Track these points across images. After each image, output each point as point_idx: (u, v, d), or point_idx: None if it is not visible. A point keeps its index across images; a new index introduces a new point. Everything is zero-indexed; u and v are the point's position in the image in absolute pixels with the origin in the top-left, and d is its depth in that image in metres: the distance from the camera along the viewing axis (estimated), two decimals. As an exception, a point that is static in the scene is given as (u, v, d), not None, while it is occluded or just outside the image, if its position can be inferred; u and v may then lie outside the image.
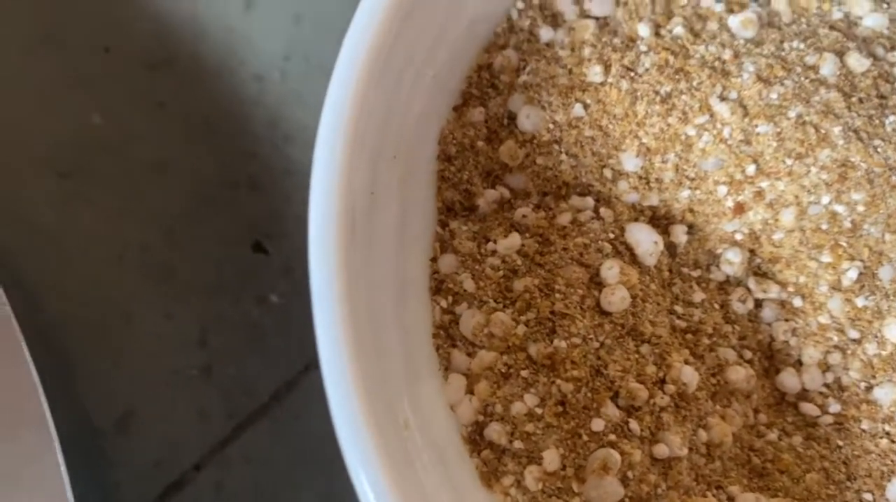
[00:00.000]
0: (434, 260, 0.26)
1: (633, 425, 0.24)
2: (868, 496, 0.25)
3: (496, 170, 0.27)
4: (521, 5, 0.27)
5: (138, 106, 0.34)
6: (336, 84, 0.21)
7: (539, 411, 0.24)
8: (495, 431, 0.24)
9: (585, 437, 0.24)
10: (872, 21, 0.28)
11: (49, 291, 0.32)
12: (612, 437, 0.24)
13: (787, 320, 0.28)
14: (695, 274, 0.27)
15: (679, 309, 0.26)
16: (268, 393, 0.31)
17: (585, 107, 0.26)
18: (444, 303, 0.26)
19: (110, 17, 0.34)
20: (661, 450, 0.24)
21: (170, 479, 0.30)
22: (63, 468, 0.27)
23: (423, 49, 0.24)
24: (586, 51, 0.26)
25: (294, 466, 0.30)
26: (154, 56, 0.34)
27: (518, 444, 0.24)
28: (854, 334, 0.27)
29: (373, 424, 0.19)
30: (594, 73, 0.26)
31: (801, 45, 0.27)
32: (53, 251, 0.32)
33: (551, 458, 0.24)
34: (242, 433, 0.31)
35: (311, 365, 0.31)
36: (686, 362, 0.25)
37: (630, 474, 0.23)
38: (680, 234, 0.27)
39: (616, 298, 0.25)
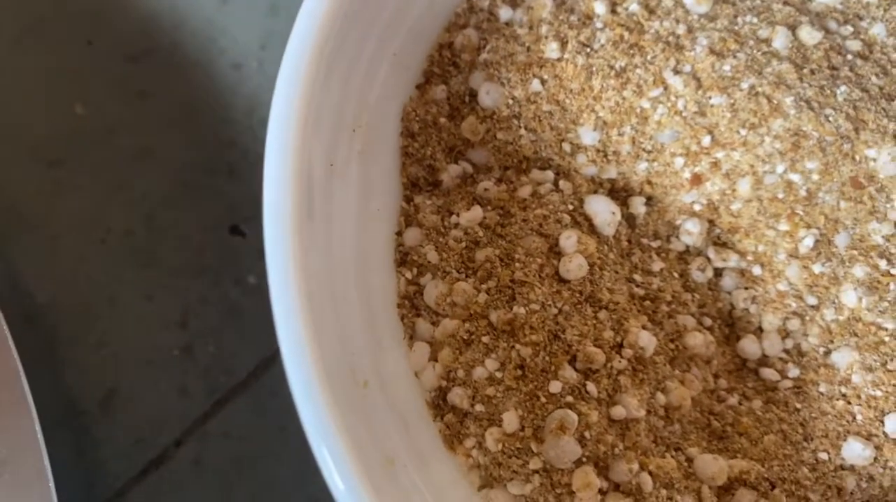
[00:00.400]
0: (399, 233, 0.27)
1: (591, 387, 0.25)
2: (824, 455, 0.26)
3: (459, 145, 0.28)
4: (480, -14, 0.28)
5: (120, 96, 0.35)
6: (288, 61, 0.22)
7: (499, 375, 0.25)
8: (457, 395, 0.25)
9: (543, 399, 0.24)
10: (826, -4, 0.29)
11: (35, 276, 0.33)
12: (570, 399, 0.24)
13: (746, 288, 0.28)
14: (654, 244, 0.28)
15: (638, 277, 0.27)
16: (246, 371, 0.32)
17: (543, 82, 0.27)
18: (408, 275, 0.27)
19: (93, 11, 0.35)
20: (618, 412, 0.25)
21: (151, 455, 0.31)
22: (44, 450, 0.27)
23: (381, 27, 0.25)
24: (543, 28, 0.27)
25: (272, 440, 0.31)
26: (135, 48, 0.35)
27: (479, 407, 0.25)
28: (812, 300, 0.27)
29: (324, 381, 0.20)
30: (551, 49, 0.27)
31: (755, 20, 0.28)
32: (40, 237, 0.33)
33: (510, 420, 0.24)
34: (221, 409, 0.32)
35: (287, 342, 0.32)
36: (644, 328, 0.26)
37: (587, 434, 0.24)
38: (639, 206, 0.28)
39: (573, 266, 0.26)
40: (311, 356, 0.20)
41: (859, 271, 0.27)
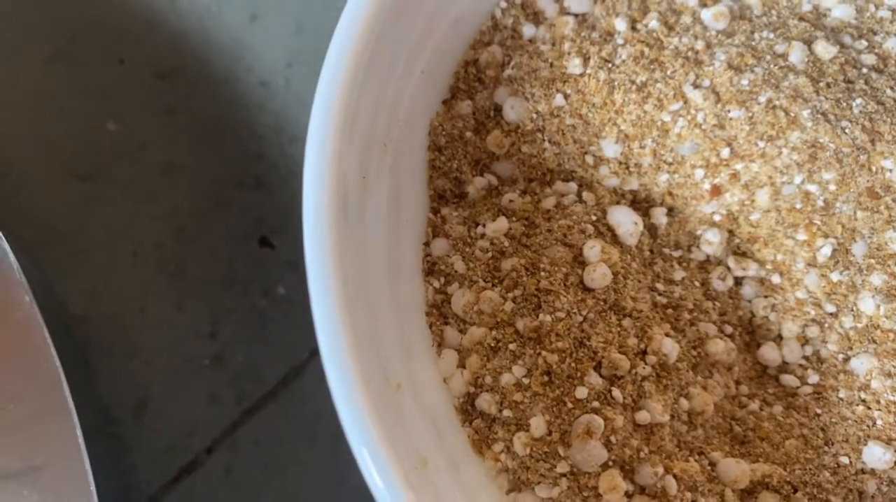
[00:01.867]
0: (427, 244, 0.28)
1: (616, 393, 0.25)
2: (845, 459, 0.26)
3: (484, 158, 0.29)
4: (504, 4, 0.29)
5: (150, 113, 0.36)
6: (325, 79, 0.22)
7: (526, 381, 0.25)
8: (485, 401, 0.26)
9: (570, 404, 0.25)
10: (840, 12, 0.30)
11: (69, 287, 0.34)
12: (596, 404, 0.25)
13: (766, 296, 0.29)
14: (676, 254, 0.29)
15: (660, 286, 0.28)
16: (275, 379, 0.33)
17: (566, 97, 0.28)
18: (436, 284, 0.27)
19: (123, 31, 0.36)
20: (643, 417, 0.25)
21: (183, 462, 0.32)
22: (85, 455, 0.28)
23: (410, 46, 0.26)
24: (566, 45, 0.28)
25: (300, 447, 0.32)
26: (165, 66, 0.36)
27: (507, 413, 0.25)
28: (831, 308, 0.28)
29: (363, 383, 0.21)
30: (574, 65, 0.28)
31: (771, 35, 0.29)
32: (73, 250, 0.34)
33: (538, 425, 0.25)
34: (251, 417, 0.32)
35: (315, 351, 0.33)
36: (667, 335, 0.27)
37: (613, 439, 0.25)
38: (660, 216, 0.28)
39: (598, 275, 0.27)
40: (350, 358, 0.21)
41: (877, 279, 0.28)
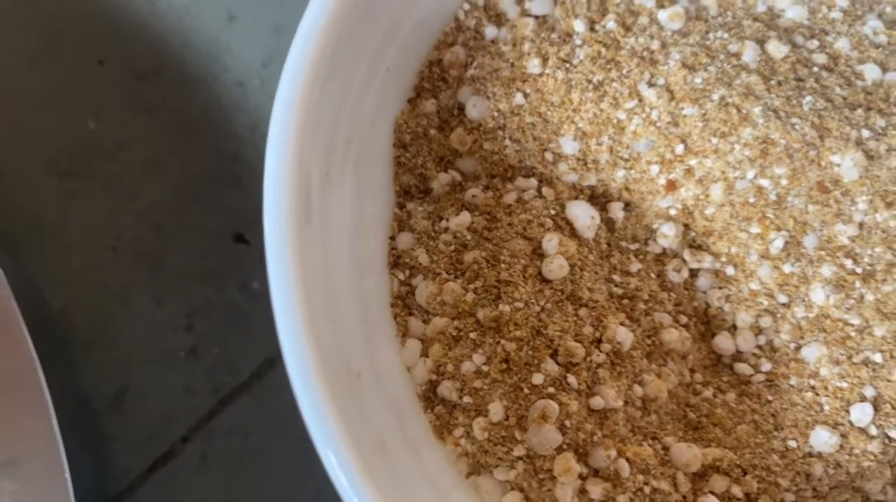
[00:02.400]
0: (392, 238, 0.29)
1: (571, 379, 0.26)
2: (793, 443, 0.27)
3: (448, 155, 0.30)
4: (467, 6, 0.30)
5: (130, 112, 0.37)
6: (286, 79, 0.23)
7: (486, 369, 0.26)
8: (447, 388, 0.27)
9: (527, 390, 0.26)
10: (794, 13, 0.31)
11: (50, 282, 0.35)
12: (551, 390, 0.26)
13: (720, 288, 0.30)
14: (632, 247, 0.30)
15: (617, 277, 0.29)
16: (249, 371, 0.34)
17: (526, 96, 0.29)
18: (401, 276, 0.28)
19: (104, 32, 0.37)
20: (597, 402, 0.26)
21: (160, 451, 0.33)
22: (61, 447, 0.29)
23: (374, 46, 0.27)
24: (526, 46, 0.29)
25: (274, 437, 0.33)
26: (144, 66, 0.37)
27: (467, 399, 0.26)
28: (783, 299, 0.29)
29: (320, 371, 0.22)
30: (533, 65, 0.29)
31: (725, 35, 0.30)
32: (54, 245, 0.35)
33: (496, 410, 0.26)
34: (226, 407, 0.33)
35: (289, 343, 0.34)
36: (622, 324, 0.28)
37: (568, 423, 0.26)
38: (617, 211, 0.29)
39: (555, 266, 0.28)
40: (307, 344, 0.22)
41: (827, 271, 0.29)
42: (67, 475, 0.27)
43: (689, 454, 0.26)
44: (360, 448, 0.23)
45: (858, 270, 0.29)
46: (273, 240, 0.22)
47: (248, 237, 0.35)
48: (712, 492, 0.26)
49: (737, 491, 0.26)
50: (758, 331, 0.30)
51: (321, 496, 0.32)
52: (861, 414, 0.27)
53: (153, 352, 0.34)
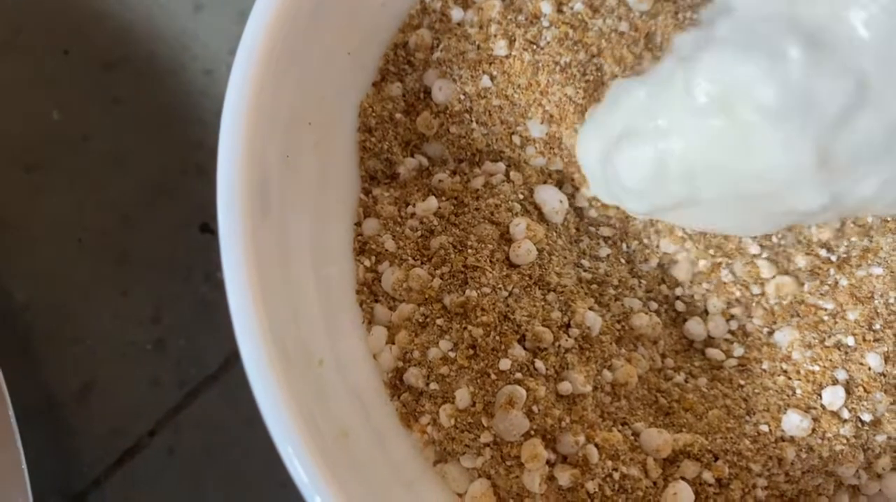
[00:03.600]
0: (358, 224, 0.28)
1: (539, 364, 0.26)
2: (765, 428, 0.27)
3: (414, 139, 0.29)
4: (432, -12, 0.30)
5: (96, 103, 0.36)
6: (240, 57, 0.23)
7: (452, 355, 0.26)
8: (413, 375, 0.26)
9: (494, 376, 0.26)
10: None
11: (14, 275, 0.34)
12: (519, 375, 0.26)
13: (692, 281, 0.29)
14: (602, 232, 0.29)
15: (586, 262, 0.28)
16: (216, 363, 0.33)
17: (492, 78, 0.28)
18: (367, 263, 0.28)
19: (69, 22, 0.37)
20: (565, 387, 0.26)
21: (126, 445, 0.32)
22: (19, 442, 0.28)
23: (336, 28, 0.27)
24: (493, 28, 0.29)
25: (241, 430, 0.32)
26: (111, 56, 0.37)
27: (434, 386, 0.26)
28: (756, 290, 0.29)
29: (276, 357, 0.21)
30: (499, 47, 0.28)
31: (694, 16, 0.29)
32: (18, 238, 0.34)
33: (462, 396, 0.25)
34: (193, 400, 0.33)
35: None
36: (590, 309, 0.27)
37: (535, 408, 0.25)
38: (583, 200, 0.29)
39: (522, 251, 0.27)
40: (261, 335, 0.21)
41: (801, 261, 0.28)
42: (24, 467, 0.27)
43: (659, 439, 0.26)
44: (320, 438, 0.22)
45: (833, 258, 0.28)
46: (226, 231, 0.22)
47: (213, 227, 0.34)
48: (683, 478, 0.26)
49: (708, 476, 0.26)
50: (729, 316, 0.29)
51: (288, 488, 0.31)
52: (833, 397, 0.27)
53: (119, 345, 0.33)
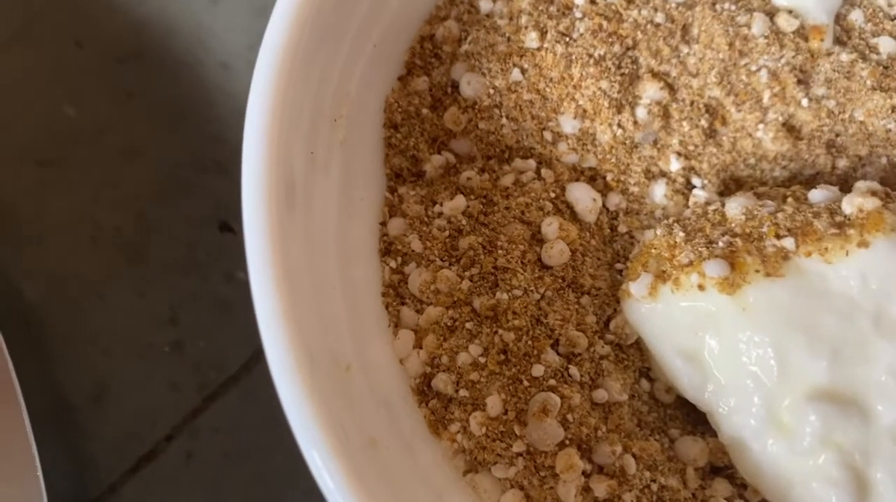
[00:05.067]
0: (383, 223, 0.27)
1: (573, 371, 0.25)
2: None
3: (441, 136, 0.28)
4: (460, -21, 0.28)
5: (110, 97, 0.35)
6: (264, 53, 0.22)
7: (483, 360, 0.25)
8: (442, 381, 0.25)
9: (526, 383, 0.25)
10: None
11: (27, 274, 0.33)
12: (552, 382, 0.25)
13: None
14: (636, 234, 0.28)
15: (620, 265, 0.27)
16: (236, 365, 0.32)
17: (523, 71, 0.27)
18: (393, 264, 0.27)
19: (82, 14, 0.36)
20: (600, 395, 0.25)
21: (143, 450, 0.31)
22: (33, 445, 0.27)
23: (359, 20, 0.26)
24: (523, 19, 0.27)
25: (262, 433, 0.31)
26: (125, 49, 0.36)
27: (463, 393, 0.25)
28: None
29: (304, 363, 0.20)
30: (531, 39, 0.27)
31: (733, 7, 0.28)
32: (31, 235, 0.33)
33: (494, 404, 0.24)
34: (212, 404, 0.32)
35: (277, 337, 0.33)
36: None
37: (570, 417, 0.24)
38: (615, 199, 0.28)
39: (555, 252, 0.26)
40: (288, 339, 0.21)
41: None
42: (39, 473, 0.26)
43: (695, 448, 0.25)
44: (348, 446, 0.21)
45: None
46: (253, 230, 0.21)
47: (233, 225, 0.34)
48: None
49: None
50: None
51: (312, 496, 0.31)
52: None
53: (135, 347, 0.32)
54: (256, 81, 0.22)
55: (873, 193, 0.24)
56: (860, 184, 0.25)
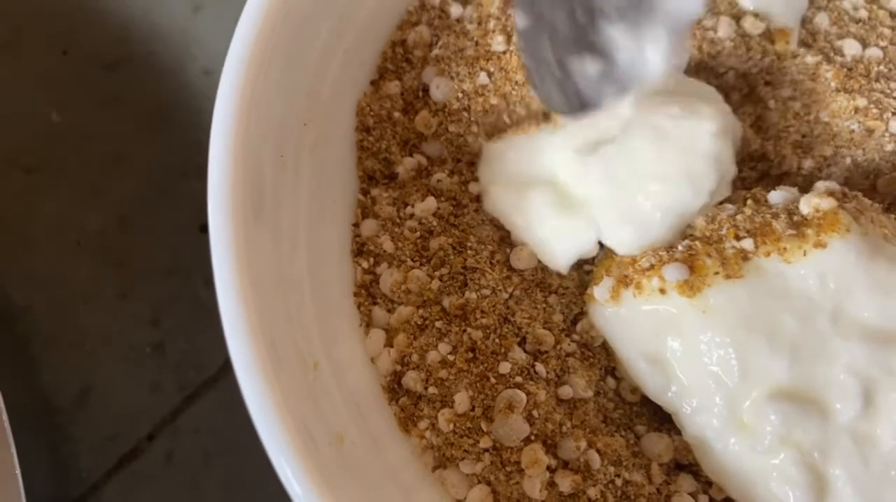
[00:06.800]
0: (356, 225, 0.28)
1: (540, 368, 0.25)
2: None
3: (413, 139, 0.29)
4: (431, -15, 0.29)
5: (95, 103, 0.36)
6: (229, 60, 0.23)
7: (451, 358, 0.25)
8: (412, 379, 0.26)
9: (493, 380, 0.25)
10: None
11: (12, 278, 0.34)
12: (519, 379, 0.25)
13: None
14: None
15: (589, 266, 0.28)
16: (216, 367, 0.33)
17: (490, 75, 0.28)
18: (365, 265, 0.27)
19: (68, 22, 0.36)
20: (566, 392, 0.25)
21: (124, 450, 0.32)
22: (12, 444, 0.28)
23: (331, 25, 0.26)
24: (491, 23, 0.28)
25: (241, 433, 0.31)
26: (110, 56, 0.36)
27: (432, 390, 0.25)
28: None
29: (267, 360, 0.21)
30: (497, 42, 0.28)
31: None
32: (17, 240, 0.34)
33: (461, 400, 0.25)
34: (192, 404, 0.32)
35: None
36: (594, 311, 0.27)
37: (535, 413, 0.25)
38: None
39: (525, 254, 0.27)
40: (252, 341, 0.21)
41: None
42: (18, 473, 0.27)
43: (661, 444, 0.25)
44: (313, 445, 0.22)
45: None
46: (217, 231, 0.21)
47: (214, 229, 0.34)
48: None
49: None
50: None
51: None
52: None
53: (118, 349, 0.33)
54: (223, 86, 0.22)
55: (831, 194, 0.24)
56: (819, 185, 0.25)
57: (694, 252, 0.24)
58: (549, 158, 0.26)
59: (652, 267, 0.25)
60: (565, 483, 0.24)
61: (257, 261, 0.22)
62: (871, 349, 0.23)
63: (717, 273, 0.24)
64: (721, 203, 0.26)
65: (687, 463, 0.26)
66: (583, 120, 0.22)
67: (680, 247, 0.25)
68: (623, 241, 0.25)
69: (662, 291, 0.24)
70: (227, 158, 0.22)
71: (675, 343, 0.24)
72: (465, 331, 0.26)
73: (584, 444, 0.25)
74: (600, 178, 0.25)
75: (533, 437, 0.25)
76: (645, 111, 0.24)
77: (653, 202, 0.24)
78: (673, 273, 0.24)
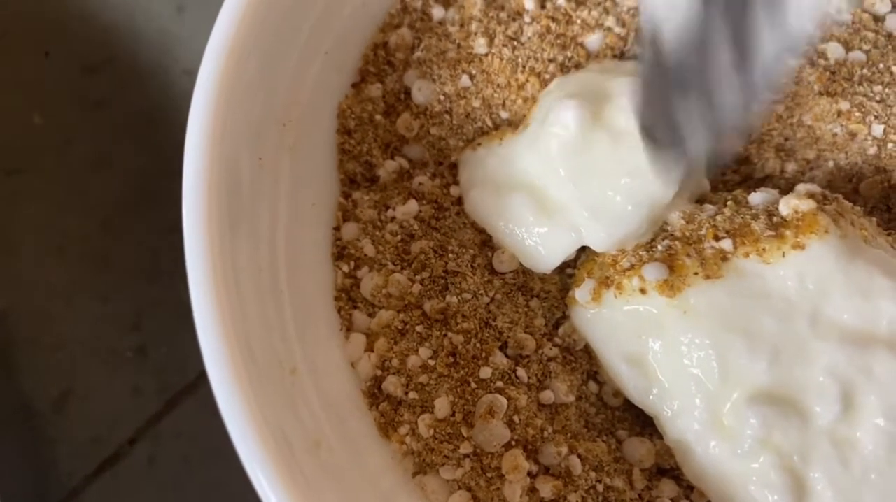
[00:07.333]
0: (337, 228, 0.28)
1: (521, 372, 0.25)
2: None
3: (394, 141, 0.29)
4: (413, -13, 0.29)
5: (78, 106, 0.36)
6: (208, 58, 0.22)
7: (432, 363, 0.25)
8: (392, 384, 0.25)
9: (474, 385, 0.25)
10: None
11: (-6, 282, 0.34)
12: (500, 384, 0.25)
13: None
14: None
15: (571, 270, 0.28)
16: (198, 371, 0.32)
17: (471, 77, 0.28)
18: (346, 268, 0.27)
19: (51, 24, 0.36)
20: (547, 397, 0.25)
21: (106, 454, 0.32)
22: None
23: (310, 27, 0.26)
24: (473, 25, 0.28)
25: (222, 437, 0.31)
26: (93, 58, 0.36)
27: (413, 395, 0.25)
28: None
29: (241, 365, 0.21)
30: (479, 45, 0.27)
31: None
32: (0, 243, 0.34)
33: (442, 406, 0.25)
34: (174, 409, 0.32)
35: (239, 342, 0.33)
36: (575, 315, 0.26)
37: (516, 418, 0.25)
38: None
39: (506, 258, 0.26)
40: (226, 347, 0.21)
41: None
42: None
43: (642, 449, 0.25)
44: (289, 452, 0.21)
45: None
46: (191, 235, 0.21)
47: (197, 232, 0.34)
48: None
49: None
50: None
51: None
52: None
53: (99, 352, 0.33)
54: (199, 87, 0.22)
55: (811, 195, 0.24)
56: (800, 187, 0.25)
57: (673, 252, 0.24)
58: (527, 162, 0.26)
59: (632, 267, 0.24)
60: (546, 488, 0.24)
61: (233, 266, 0.22)
62: (850, 351, 0.23)
63: (696, 273, 0.24)
64: (702, 204, 0.26)
65: (669, 468, 0.25)
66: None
67: (660, 247, 0.24)
68: (599, 237, 0.25)
69: (643, 291, 0.24)
70: (202, 159, 0.22)
71: (656, 344, 0.24)
72: (445, 335, 0.26)
73: (565, 450, 0.24)
74: (569, 178, 0.25)
75: (514, 443, 0.24)
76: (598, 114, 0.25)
77: (622, 195, 0.24)
78: (653, 272, 0.24)
